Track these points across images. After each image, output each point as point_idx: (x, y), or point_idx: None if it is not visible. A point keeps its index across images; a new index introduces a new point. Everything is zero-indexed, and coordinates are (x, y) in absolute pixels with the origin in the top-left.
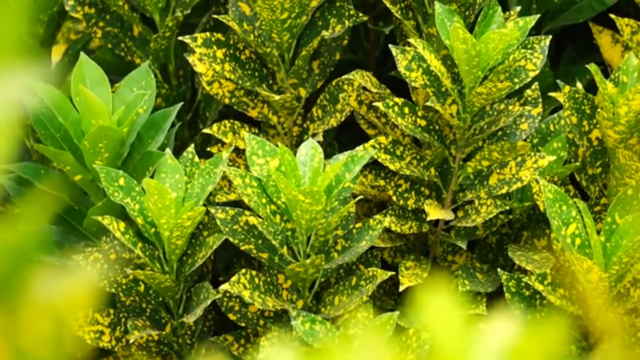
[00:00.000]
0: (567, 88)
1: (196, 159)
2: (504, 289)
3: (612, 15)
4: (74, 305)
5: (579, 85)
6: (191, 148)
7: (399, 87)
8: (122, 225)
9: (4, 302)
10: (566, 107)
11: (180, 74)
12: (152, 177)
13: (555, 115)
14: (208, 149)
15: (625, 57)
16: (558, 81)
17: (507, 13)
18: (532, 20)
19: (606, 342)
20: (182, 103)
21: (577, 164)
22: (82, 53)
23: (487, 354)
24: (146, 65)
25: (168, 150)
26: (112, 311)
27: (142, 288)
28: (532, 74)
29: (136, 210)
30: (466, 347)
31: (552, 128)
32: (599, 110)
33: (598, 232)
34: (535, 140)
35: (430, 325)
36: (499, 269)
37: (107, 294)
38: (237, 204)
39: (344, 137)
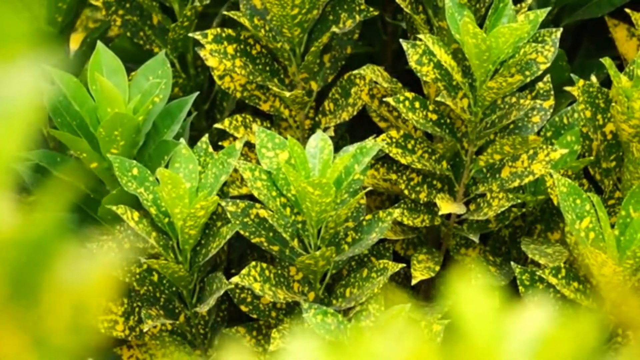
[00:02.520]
0: (581, 82)
1: (210, 149)
2: (518, 282)
3: (627, 10)
4: (94, 293)
5: (594, 79)
6: (205, 138)
7: (416, 80)
8: (136, 214)
9: (25, 291)
10: (580, 101)
11: (198, 64)
12: (166, 166)
13: (569, 108)
14: (220, 143)
15: None
16: (572, 75)
17: (519, 5)
18: (542, 13)
19: (621, 336)
20: (198, 92)
21: (591, 157)
22: (99, 42)
23: (518, 343)
24: (162, 54)
25: (182, 140)
26: (125, 300)
27: (155, 278)
28: (543, 67)
29: (150, 200)
30: (498, 337)
31: (565, 121)
32: (613, 104)
33: (612, 226)
34: (549, 134)
35: (459, 315)
36: (512, 263)
37: (122, 283)
38: (250, 197)
39: (356, 131)
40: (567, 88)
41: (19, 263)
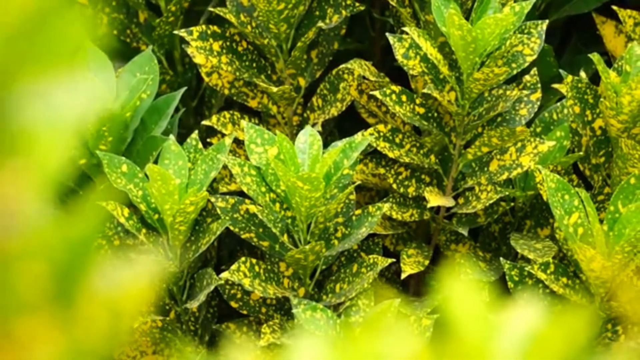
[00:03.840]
0: (569, 77)
1: (200, 145)
2: (507, 278)
3: (614, 7)
4: (132, 298)
5: (583, 74)
6: (195, 134)
7: (405, 77)
8: (126, 210)
9: (63, 293)
10: (569, 97)
11: (186, 61)
12: (155, 162)
13: (559, 104)
14: (209, 139)
15: (629, 47)
16: (561, 71)
17: None
18: (528, 5)
19: (610, 331)
20: (185, 88)
21: (581, 153)
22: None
23: (507, 339)
24: (149, 51)
25: (172, 137)
26: None
27: None
28: (529, 59)
29: (139, 197)
30: (488, 333)
31: (555, 117)
32: (601, 99)
33: (601, 221)
34: (538, 129)
35: (448, 310)
36: (501, 258)
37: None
38: (240, 194)
39: (345, 127)
40: (555, 85)
41: (60, 264)
